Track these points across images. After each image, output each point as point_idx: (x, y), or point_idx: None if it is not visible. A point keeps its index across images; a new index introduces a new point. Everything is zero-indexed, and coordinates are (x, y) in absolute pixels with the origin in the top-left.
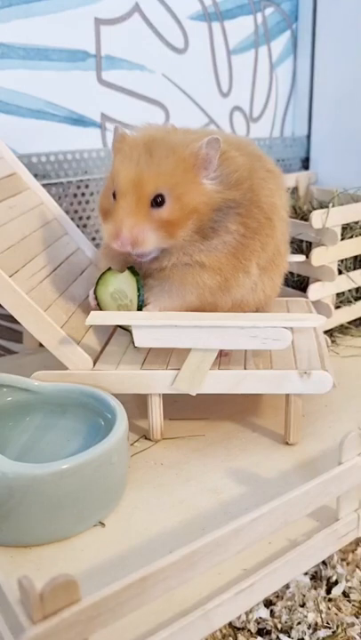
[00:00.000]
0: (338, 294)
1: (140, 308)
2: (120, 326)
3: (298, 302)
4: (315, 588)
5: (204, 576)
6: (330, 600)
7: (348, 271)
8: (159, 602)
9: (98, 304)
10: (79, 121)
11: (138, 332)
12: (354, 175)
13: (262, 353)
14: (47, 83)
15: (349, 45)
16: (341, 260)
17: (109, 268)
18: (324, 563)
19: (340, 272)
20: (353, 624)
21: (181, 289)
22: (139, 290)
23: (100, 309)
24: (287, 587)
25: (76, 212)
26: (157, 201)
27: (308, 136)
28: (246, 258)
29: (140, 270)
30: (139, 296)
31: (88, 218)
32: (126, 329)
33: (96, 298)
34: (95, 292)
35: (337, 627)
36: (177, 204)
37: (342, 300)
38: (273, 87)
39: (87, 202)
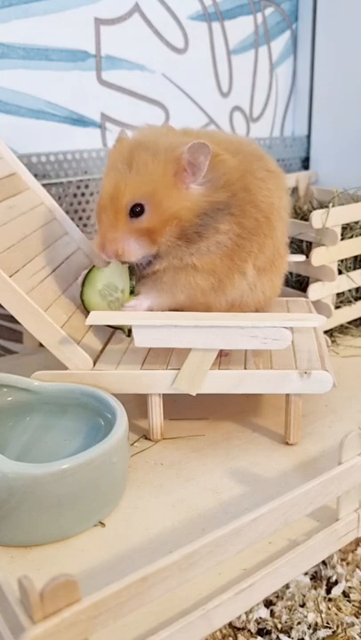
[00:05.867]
0: (338, 294)
1: (132, 292)
2: (110, 325)
3: (298, 302)
4: (315, 588)
5: (204, 576)
6: (330, 600)
7: (348, 271)
8: (159, 602)
9: (85, 308)
10: (79, 121)
11: (138, 332)
12: (354, 175)
13: (262, 353)
14: (47, 83)
15: (349, 45)
16: (341, 260)
17: (93, 266)
18: (324, 563)
19: (340, 272)
20: (353, 624)
21: (173, 288)
22: (131, 275)
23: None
24: (287, 587)
25: (76, 211)
26: (136, 211)
27: (308, 136)
28: (242, 259)
29: (134, 273)
30: (131, 279)
31: (88, 218)
32: (117, 327)
33: (83, 302)
34: (82, 296)
35: (337, 627)
36: (156, 211)
37: (342, 299)
38: (273, 87)
39: (87, 202)
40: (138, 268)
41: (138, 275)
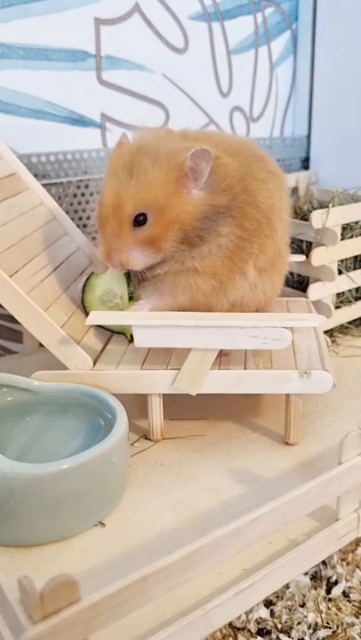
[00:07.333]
0: (338, 294)
1: (130, 299)
2: (101, 326)
3: (298, 302)
4: (315, 588)
5: (204, 576)
6: (330, 600)
7: (348, 271)
8: (159, 602)
9: (87, 314)
10: (79, 121)
11: (138, 332)
12: (354, 175)
13: (262, 353)
14: (47, 83)
15: (349, 45)
16: (341, 260)
17: (92, 273)
18: (324, 563)
19: (340, 272)
20: (353, 624)
21: (174, 291)
22: (128, 281)
23: None
24: (287, 587)
25: (76, 211)
26: (139, 220)
27: (308, 136)
28: (243, 260)
29: (135, 277)
30: (128, 286)
31: (88, 218)
32: (119, 332)
33: (84, 308)
34: (83, 303)
35: (337, 627)
36: (159, 218)
37: (342, 299)
38: (273, 87)
39: (87, 202)
40: (138, 273)
41: (138, 279)
